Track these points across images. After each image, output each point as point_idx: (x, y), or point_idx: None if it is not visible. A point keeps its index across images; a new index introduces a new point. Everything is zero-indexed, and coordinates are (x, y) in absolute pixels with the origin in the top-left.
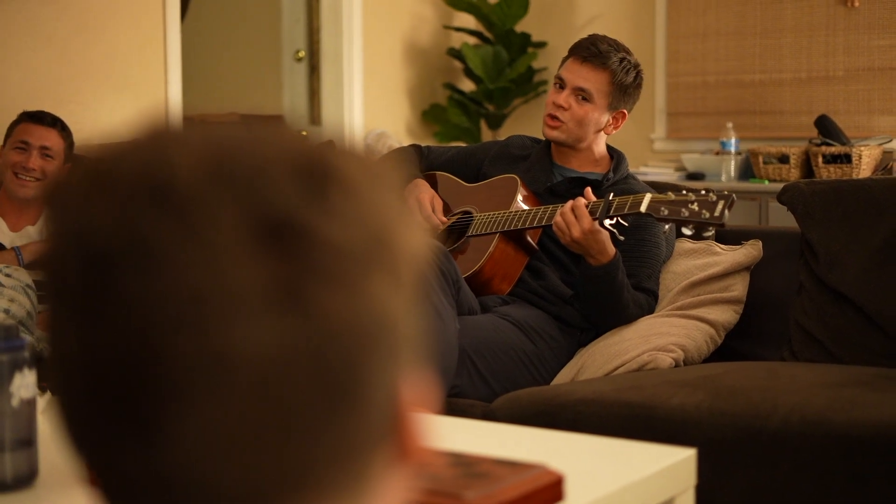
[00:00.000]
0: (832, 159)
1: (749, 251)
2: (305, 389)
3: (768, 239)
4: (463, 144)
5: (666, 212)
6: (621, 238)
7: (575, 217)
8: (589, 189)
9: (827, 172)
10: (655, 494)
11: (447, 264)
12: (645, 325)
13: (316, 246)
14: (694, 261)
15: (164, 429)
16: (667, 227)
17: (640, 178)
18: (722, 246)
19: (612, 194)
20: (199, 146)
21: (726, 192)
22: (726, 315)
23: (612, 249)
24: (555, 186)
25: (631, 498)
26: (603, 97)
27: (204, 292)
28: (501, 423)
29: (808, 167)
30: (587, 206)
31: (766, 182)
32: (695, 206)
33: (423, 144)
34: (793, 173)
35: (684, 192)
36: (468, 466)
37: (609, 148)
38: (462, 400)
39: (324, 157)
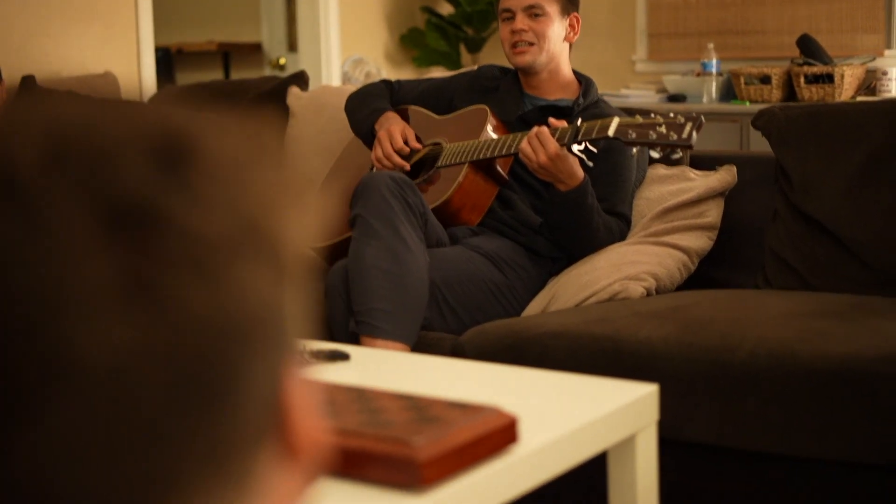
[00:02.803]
0: (814, 79)
1: (723, 176)
2: (166, 391)
3: (743, 164)
4: (435, 76)
5: (634, 135)
6: (590, 164)
7: (540, 143)
8: (552, 118)
9: (809, 93)
10: (615, 432)
11: (413, 197)
12: (616, 253)
13: (172, 234)
14: (667, 186)
15: (13, 441)
16: (635, 150)
17: (621, 100)
18: (696, 171)
19: (580, 119)
20: (41, 129)
21: (694, 114)
22: (700, 241)
23: (580, 174)
24: (525, 115)
25: (590, 436)
26: (552, 5)
27: (48, 290)
28: (464, 360)
29: (790, 88)
30: (555, 132)
31: (748, 104)
32: (663, 129)
33: (394, 79)
34: (774, 94)
35: (652, 115)
36: (420, 410)
37: (577, 73)
38: (432, 333)
39: (185, 136)
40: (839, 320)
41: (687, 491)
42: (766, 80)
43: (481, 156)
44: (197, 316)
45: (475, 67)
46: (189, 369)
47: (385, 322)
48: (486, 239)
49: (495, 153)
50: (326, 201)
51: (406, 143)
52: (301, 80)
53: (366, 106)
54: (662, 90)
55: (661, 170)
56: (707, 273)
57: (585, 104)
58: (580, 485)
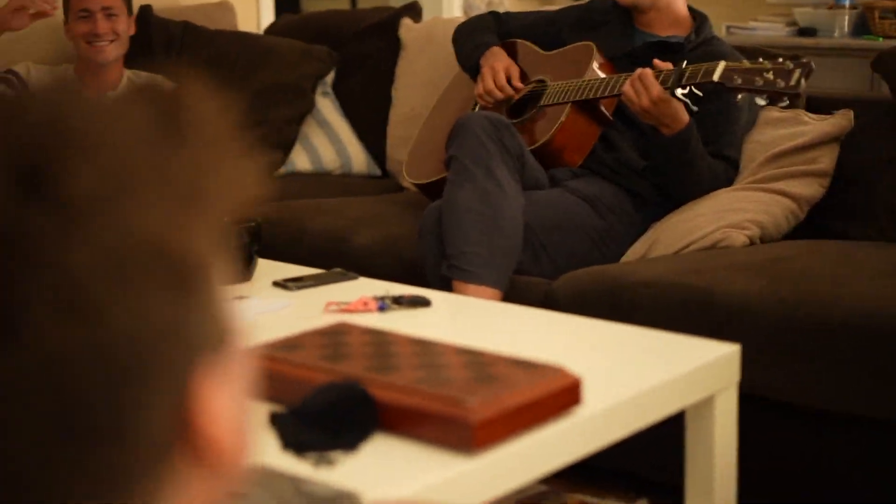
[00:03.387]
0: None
1: (839, 121)
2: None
3: (862, 108)
4: (548, 8)
5: (740, 80)
6: (694, 108)
7: (643, 85)
8: (657, 60)
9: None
10: (692, 393)
11: (510, 138)
12: (722, 198)
13: (36, 266)
14: (779, 130)
15: None
16: (739, 96)
17: (748, 34)
18: (810, 115)
19: (685, 62)
20: None
21: (804, 60)
22: (811, 189)
23: (684, 117)
24: (635, 51)
25: (662, 397)
26: None
27: None
28: (544, 311)
29: None
30: (659, 75)
31: (881, 39)
32: (770, 75)
33: (502, 11)
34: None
35: (760, 59)
36: (481, 367)
37: (691, 9)
38: (524, 277)
39: (53, 152)
40: None
41: (767, 450)
42: None
43: (584, 96)
44: (62, 354)
45: (586, 0)
46: (62, 403)
47: (477, 266)
48: (587, 182)
49: (598, 94)
50: (429, 136)
51: (509, 80)
52: (414, 10)
53: (472, 39)
54: (792, 23)
55: (774, 112)
56: (818, 222)
57: (697, 42)
58: (658, 441)
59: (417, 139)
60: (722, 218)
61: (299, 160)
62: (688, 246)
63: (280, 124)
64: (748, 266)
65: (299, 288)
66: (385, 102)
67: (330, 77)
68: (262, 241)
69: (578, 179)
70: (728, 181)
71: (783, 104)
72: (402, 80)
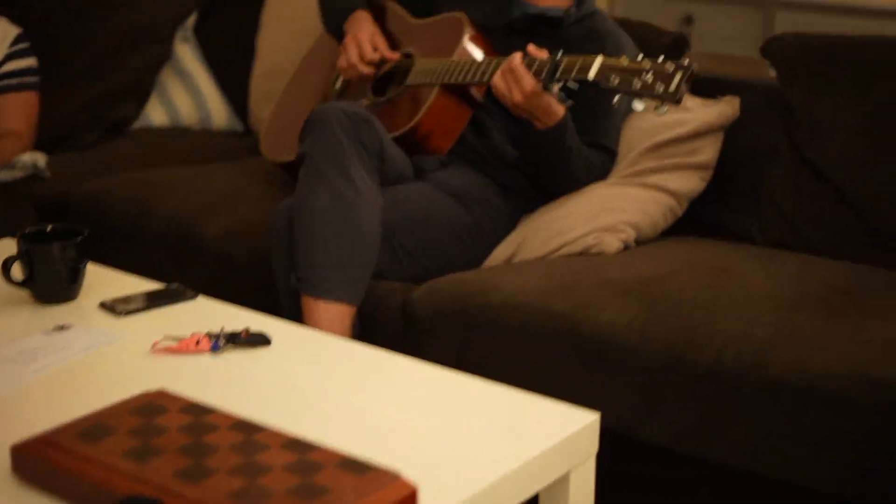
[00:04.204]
0: None
1: (724, 109)
2: None
3: (749, 93)
4: None
5: (617, 80)
6: (569, 102)
7: (514, 78)
8: (532, 46)
9: None
10: (545, 475)
11: (368, 133)
12: (596, 196)
13: None
14: (661, 117)
15: None
16: (616, 97)
17: None
18: (693, 100)
19: (560, 53)
20: None
21: (686, 62)
22: (691, 183)
23: (559, 111)
24: (511, 23)
25: (518, 483)
26: None
27: None
28: (392, 355)
29: None
30: (532, 64)
31: None
32: (649, 77)
33: None
34: None
35: (640, 57)
36: (307, 472)
37: None
38: (384, 283)
39: None
40: (825, 314)
41: (635, 495)
42: None
43: (451, 80)
44: None
45: None
46: None
47: (328, 280)
48: (454, 172)
49: (466, 79)
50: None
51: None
52: None
53: (336, 0)
54: None
55: None
56: (698, 213)
57: (578, 15)
58: None
59: (276, 109)
60: (595, 219)
61: (155, 114)
62: (558, 249)
63: (134, 73)
64: (620, 288)
65: (128, 312)
66: (251, 52)
67: (191, 20)
68: (89, 253)
69: (445, 169)
70: (605, 173)
71: (661, 112)
72: (268, 29)
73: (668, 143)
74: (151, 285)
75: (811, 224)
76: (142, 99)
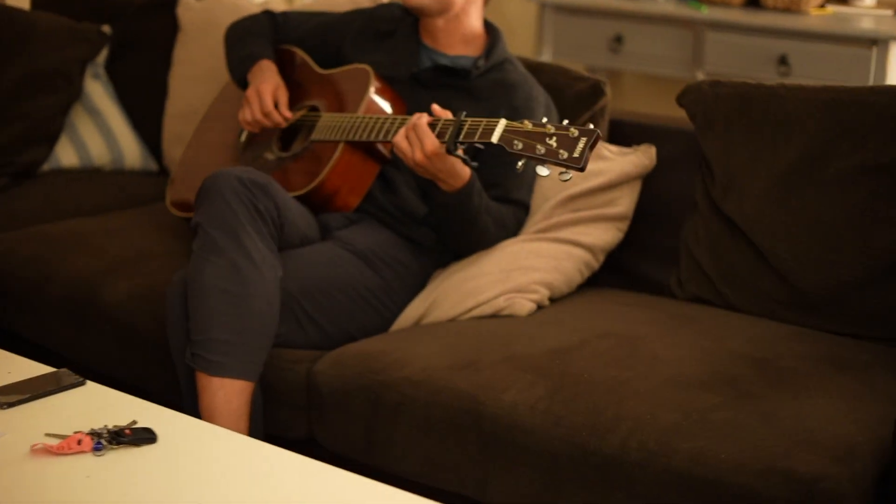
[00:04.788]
0: None
1: (640, 159)
2: None
3: (668, 138)
4: (329, 10)
5: (520, 146)
6: (474, 164)
7: (417, 137)
8: (436, 106)
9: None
10: None
11: (265, 200)
12: (508, 253)
13: None
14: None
15: None
16: (520, 162)
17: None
18: (610, 148)
19: (464, 113)
20: None
21: (590, 127)
22: (607, 235)
23: (464, 173)
24: (419, 75)
25: None
26: None
27: None
28: (286, 455)
29: None
30: (436, 125)
31: (705, 10)
32: (553, 142)
33: (278, 11)
34: None
35: (545, 121)
36: None
37: (487, 24)
38: (289, 352)
39: None
40: (735, 395)
41: None
42: None
43: (356, 137)
44: None
45: (373, 5)
46: None
47: (223, 355)
48: (361, 231)
49: (371, 136)
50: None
51: (277, 107)
52: None
53: (242, 46)
54: None
55: None
56: (617, 261)
57: (488, 66)
58: None
59: (182, 160)
60: (507, 279)
61: (65, 155)
62: (469, 311)
63: (43, 116)
64: (525, 363)
65: (11, 405)
66: (163, 90)
67: (102, 57)
68: None
69: (353, 227)
70: (518, 227)
71: (565, 178)
72: (179, 69)
73: (583, 194)
74: (39, 368)
75: (728, 280)
76: (51, 140)
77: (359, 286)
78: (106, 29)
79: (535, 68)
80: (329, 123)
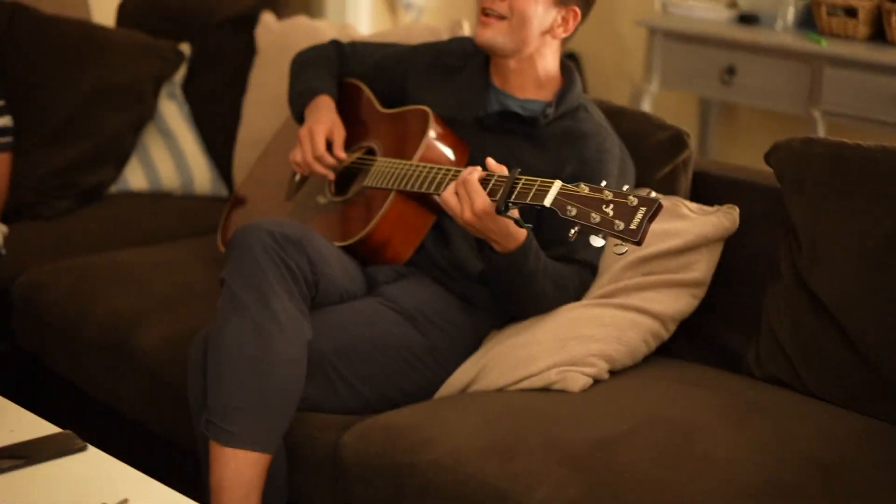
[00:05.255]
0: None
1: (721, 221)
2: None
3: (756, 195)
4: (397, 42)
5: (574, 212)
6: (528, 226)
7: (467, 193)
8: (491, 160)
9: None
10: None
11: (297, 256)
12: (567, 319)
13: None
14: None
15: None
16: (573, 230)
17: (685, 13)
18: (690, 206)
19: (518, 171)
20: None
21: (652, 195)
22: (680, 303)
23: (519, 234)
24: (485, 120)
25: None
26: None
27: None
28: None
29: (879, 25)
30: (488, 181)
31: (824, 43)
32: (609, 210)
33: (350, 41)
34: (861, 30)
35: (603, 185)
36: None
37: (563, 66)
38: (320, 416)
39: None
40: None
41: None
42: (851, 12)
43: (406, 187)
44: None
45: (446, 39)
46: None
47: (237, 425)
48: (410, 287)
49: (423, 188)
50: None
51: (331, 148)
52: (277, 2)
53: (303, 79)
54: (733, 5)
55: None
56: (693, 329)
57: (558, 113)
58: None
59: (237, 196)
60: (563, 349)
61: (133, 178)
62: (520, 381)
63: (112, 134)
64: (564, 453)
65: (3, 471)
66: (238, 113)
67: (179, 76)
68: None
69: (401, 282)
70: (582, 290)
71: (620, 251)
72: (254, 93)
73: (657, 256)
74: (43, 427)
75: (809, 362)
76: (121, 161)
77: (401, 348)
78: (185, 47)
79: (615, 114)
80: (383, 169)
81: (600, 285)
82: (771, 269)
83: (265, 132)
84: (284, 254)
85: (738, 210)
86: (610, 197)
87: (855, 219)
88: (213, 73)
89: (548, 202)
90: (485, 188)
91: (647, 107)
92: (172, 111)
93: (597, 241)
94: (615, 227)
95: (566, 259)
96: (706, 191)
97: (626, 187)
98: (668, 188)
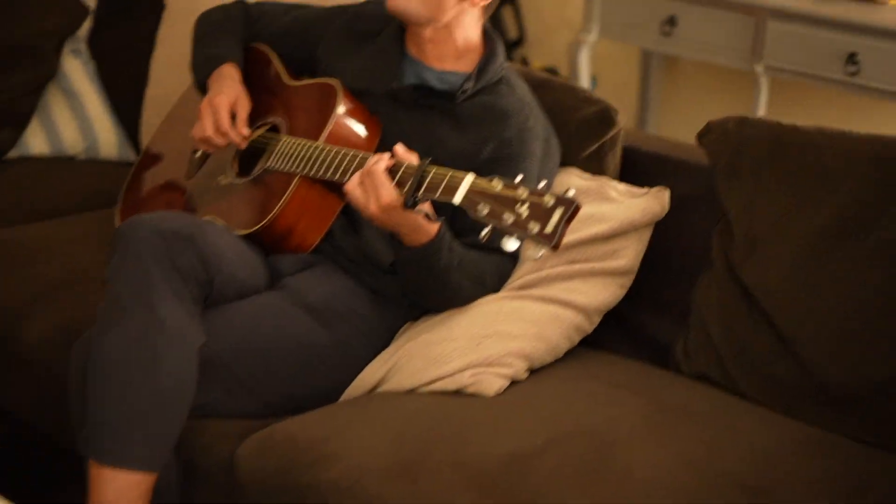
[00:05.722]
0: None
1: (650, 205)
2: None
3: (689, 175)
4: (307, 3)
5: (485, 211)
6: (437, 221)
7: (372, 186)
8: (400, 147)
9: None
10: None
11: (188, 255)
12: (484, 314)
13: None
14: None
15: None
16: (484, 231)
17: None
18: (617, 187)
19: (428, 160)
20: None
21: (569, 195)
22: (606, 293)
23: (430, 228)
24: (399, 93)
25: None
26: None
27: None
28: None
29: None
30: (396, 171)
31: None
32: (524, 210)
33: (257, 1)
34: None
35: (518, 182)
36: None
37: (486, 35)
38: (215, 424)
39: None
40: None
41: None
42: None
43: (311, 172)
44: None
45: (359, 1)
46: None
47: (118, 442)
48: (316, 278)
49: (327, 174)
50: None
51: (235, 122)
52: None
53: (207, 44)
54: None
55: (574, 177)
56: (618, 316)
57: (477, 87)
58: None
59: (137, 167)
60: (478, 348)
61: (34, 141)
62: (431, 382)
63: (9, 97)
64: (473, 472)
65: None
66: (147, 72)
67: (84, 30)
68: None
69: (306, 273)
70: (501, 281)
71: (535, 255)
72: (162, 50)
73: (581, 243)
74: None
75: (740, 361)
76: (20, 123)
77: (305, 345)
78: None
79: (540, 85)
80: (287, 150)
81: (520, 274)
82: (704, 254)
83: (174, 93)
84: (172, 252)
85: (668, 193)
86: (524, 196)
87: (793, 208)
88: (120, 28)
89: (457, 199)
90: (392, 179)
91: (585, 59)
92: (76, 69)
93: (510, 244)
94: (529, 229)
95: (483, 248)
96: (636, 170)
97: (543, 183)
98: (595, 167)
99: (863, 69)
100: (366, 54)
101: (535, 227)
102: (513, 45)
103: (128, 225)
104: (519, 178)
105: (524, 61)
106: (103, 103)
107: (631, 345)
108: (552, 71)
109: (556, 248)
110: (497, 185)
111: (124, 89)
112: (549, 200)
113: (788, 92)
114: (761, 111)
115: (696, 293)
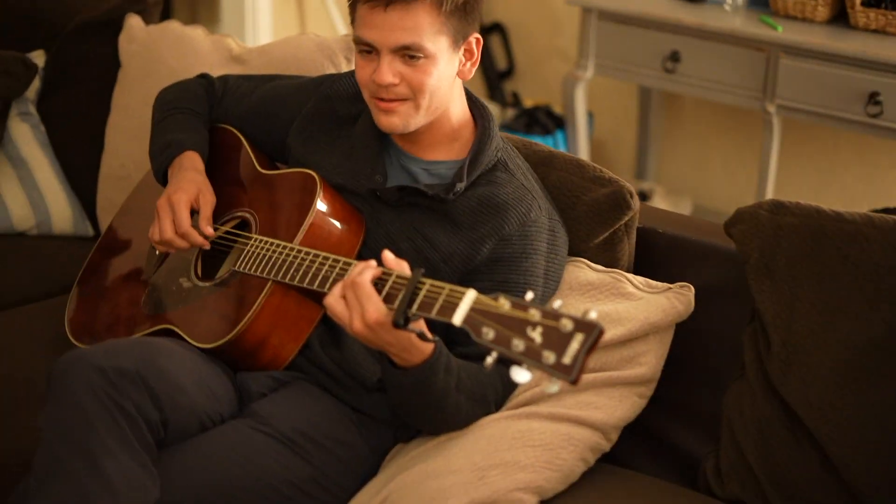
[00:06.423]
0: (876, 1)
1: (672, 304)
2: None
3: (713, 262)
4: (281, 77)
5: (491, 335)
6: (434, 339)
7: (356, 298)
8: (388, 254)
9: (865, 19)
10: None
11: (135, 395)
12: (487, 438)
13: None
14: (588, 302)
15: None
16: (489, 358)
17: None
18: (636, 281)
19: (421, 271)
20: None
21: (591, 318)
22: (624, 406)
23: (424, 348)
24: (383, 193)
25: None
26: (439, 40)
27: None
28: None
29: (841, 7)
30: (384, 282)
31: (780, 29)
32: (536, 335)
33: (222, 75)
34: (819, 13)
35: (529, 301)
36: None
37: (473, 103)
38: None
39: None
40: None
41: None
42: None
43: (286, 278)
44: None
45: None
46: None
47: None
48: (288, 400)
49: (304, 282)
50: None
51: (197, 223)
52: (142, 4)
53: (167, 127)
54: None
55: (587, 271)
56: (640, 421)
57: (471, 179)
58: None
59: (89, 263)
60: (482, 482)
61: None
62: None
63: None
64: None
65: None
66: (102, 137)
67: (33, 92)
68: None
69: (279, 394)
70: (504, 397)
71: (551, 390)
72: (117, 117)
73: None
74: None
75: (782, 488)
76: None
77: (280, 482)
78: (38, 56)
79: (542, 161)
80: (257, 251)
81: (526, 386)
82: (734, 355)
83: (132, 163)
84: (119, 395)
85: (692, 291)
86: (537, 318)
87: (838, 313)
88: (72, 88)
89: (457, 321)
90: (379, 291)
91: (581, 97)
92: (24, 134)
93: (520, 376)
94: (543, 359)
95: (483, 359)
96: (653, 257)
97: (558, 303)
98: (608, 257)
99: (886, 110)
100: (343, 147)
101: (550, 357)
102: (502, 76)
103: (66, 362)
104: (529, 295)
105: (515, 97)
106: (55, 172)
107: (654, 460)
108: (547, 110)
109: (575, 382)
110: (504, 303)
111: (78, 156)
112: (566, 324)
113: (803, 132)
114: (773, 154)
115: (727, 404)
